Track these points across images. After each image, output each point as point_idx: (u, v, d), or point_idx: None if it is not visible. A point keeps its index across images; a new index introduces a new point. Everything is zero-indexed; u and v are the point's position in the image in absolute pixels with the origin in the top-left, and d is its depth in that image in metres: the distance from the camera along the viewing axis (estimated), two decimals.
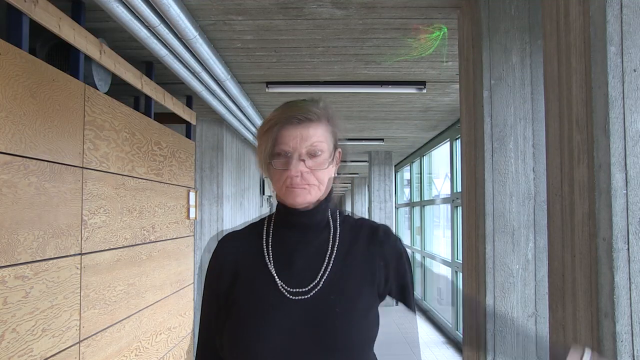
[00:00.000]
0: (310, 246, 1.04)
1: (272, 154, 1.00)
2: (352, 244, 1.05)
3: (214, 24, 2.77)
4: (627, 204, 1.18)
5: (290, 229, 1.05)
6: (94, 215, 2.42)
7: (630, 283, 1.17)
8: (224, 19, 2.69)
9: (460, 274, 3.23)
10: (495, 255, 2.20)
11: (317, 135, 1.00)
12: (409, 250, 1.13)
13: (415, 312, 1.10)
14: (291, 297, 0.98)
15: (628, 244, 1.17)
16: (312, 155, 1.00)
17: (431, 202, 7.78)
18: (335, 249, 1.04)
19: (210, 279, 1.07)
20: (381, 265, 1.03)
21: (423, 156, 7.92)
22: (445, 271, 7.03)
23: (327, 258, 1.03)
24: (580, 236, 1.31)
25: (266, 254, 1.04)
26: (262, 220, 1.11)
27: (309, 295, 0.98)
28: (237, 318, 0.99)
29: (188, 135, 4.17)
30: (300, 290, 0.99)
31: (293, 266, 1.02)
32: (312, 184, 1.00)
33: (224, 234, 1.12)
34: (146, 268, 3.08)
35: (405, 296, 1.06)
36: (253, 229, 1.10)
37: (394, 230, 1.11)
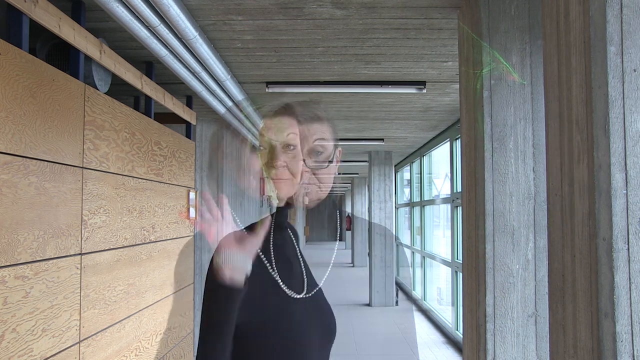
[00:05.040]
0: None
1: (275, 152, 1.01)
2: None
3: (214, 24, 2.77)
4: (627, 204, 1.18)
5: (291, 228, 1.06)
6: (94, 215, 2.41)
7: (630, 283, 1.17)
8: (224, 19, 2.69)
9: (460, 274, 3.23)
10: (495, 255, 2.20)
11: (319, 133, 1.02)
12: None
13: None
14: (292, 295, 0.98)
15: (628, 244, 1.17)
16: (314, 154, 1.00)
17: (431, 202, 7.78)
18: (335, 247, 1.04)
19: (212, 277, 1.07)
20: None
21: (423, 156, 7.92)
22: (445, 271, 7.03)
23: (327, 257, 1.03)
24: (580, 236, 1.31)
25: (267, 253, 1.04)
26: (262, 220, 1.11)
27: (310, 294, 0.98)
28: (238, 317, 0.99)
29: (188, 135, 4.17)
30: (301, 289, 0.99)
31: (294, 265, 1.02)
32: (312, 183, 1.01)
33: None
34: (146, 268, 3.08)
35: None
36: (254, 229, 1.10)
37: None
